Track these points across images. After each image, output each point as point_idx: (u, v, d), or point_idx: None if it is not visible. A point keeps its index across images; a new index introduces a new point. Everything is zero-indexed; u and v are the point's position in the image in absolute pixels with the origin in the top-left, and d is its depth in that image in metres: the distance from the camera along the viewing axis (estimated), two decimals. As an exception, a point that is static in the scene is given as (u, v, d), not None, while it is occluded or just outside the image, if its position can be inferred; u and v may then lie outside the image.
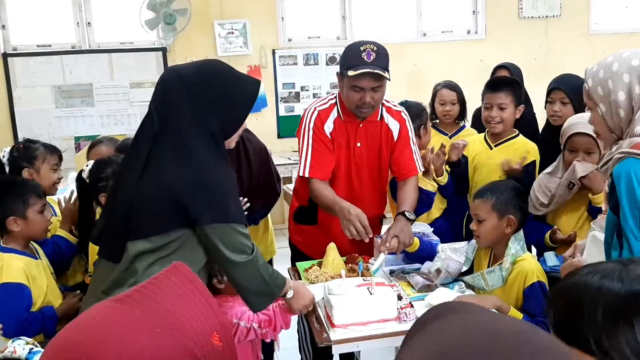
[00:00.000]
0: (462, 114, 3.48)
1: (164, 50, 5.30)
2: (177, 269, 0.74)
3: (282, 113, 5.70)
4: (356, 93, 2.40)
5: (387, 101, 2.59)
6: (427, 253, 2.44)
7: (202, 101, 1.77)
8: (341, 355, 2.40)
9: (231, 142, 1.89)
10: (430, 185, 2.81)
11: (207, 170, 1.75)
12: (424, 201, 2.74)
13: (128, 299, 0.70)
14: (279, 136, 5.74)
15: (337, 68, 2.62)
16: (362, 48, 2.36)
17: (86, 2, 5.26)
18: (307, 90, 5.70)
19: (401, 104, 2.78)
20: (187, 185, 1.72)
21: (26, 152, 2.48)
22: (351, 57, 2.40)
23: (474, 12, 6.03)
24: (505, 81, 2.96)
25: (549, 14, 6.04)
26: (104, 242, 1.86)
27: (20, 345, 1.10)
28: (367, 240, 2.34)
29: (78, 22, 5.28)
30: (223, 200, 1.77)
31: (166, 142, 1.75)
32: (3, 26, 5.13)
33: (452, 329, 0.61)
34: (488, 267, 2.28)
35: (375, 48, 2.37)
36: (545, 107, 3.12)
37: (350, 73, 2.34)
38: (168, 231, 1.75)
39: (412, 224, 2.43)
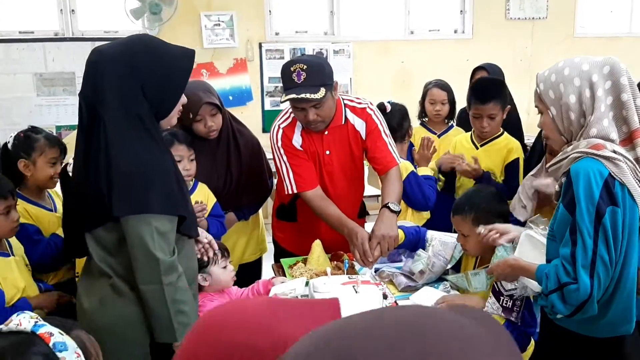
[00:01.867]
0: (451, 114, 3.48)
1: (149, 40, 5.23)
2: (331, 304, 0.81)
3: (267, 107, 5.67)
4: (299, 112, 2.37)
5: (351, 100, 2.54)
6: (415, 240, 2.42)
7: (128, 82, 1.66)
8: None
9: (171, 120, 1.79)
10: (429, 171, 2.85)
11: (125, 158, 1.64)
12: (431, 185, 2.81)
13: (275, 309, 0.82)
14: (264, 130, 5.69)
15: (323, 63, 2.59)
16: (292, 69, 2.28)
17: (70, -11, 5.17)
18: (293, 85, 5.66)
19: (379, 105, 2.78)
20: (104, 177, 1.64)
21: (25, 141, 2.37)
22: (284, 78, 2.33)
23: (461, 11, 6.05)
24: (493, 88, 2.92)
25: (536, 15, 6.08)
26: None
27: (26, 319, 1.08)
28: (369, 267, 2.34)
29: (62, 9, 5.18)
30: (141, 190, 1.65)
31: (95, 133, 1.67)
32: (-16, 11, 5.02)
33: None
34: (474, 268, 2.28)
35: (305, 67, 2.27)
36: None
37: (282, 98, 2.32)
38: (102, 224, 1.69)
39: (397, 216, 2.41)
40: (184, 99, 1.80)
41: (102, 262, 1.73)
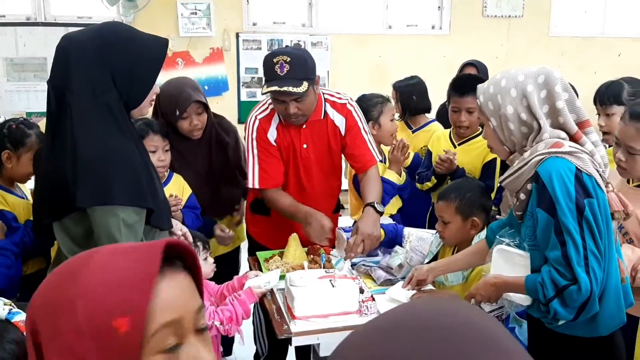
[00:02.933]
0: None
1: (124, 27, 5.13)
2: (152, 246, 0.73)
3: (243, 98, 5.62)
4: (280, 105, 2.35)
5: (331, 95, 2.52)
6: (393, 237, 2.43)
7: (97, 69, 1.62)
8: (297, 348, 2.40)
9: (142, 110, 1.75)
10: (395, 177, 2.82)
11: (90, 147, 1.59)
12: (387, 190, 2.74)
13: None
14: (240, 121, 5.63)
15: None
16: (275, 60, 2.26)
17: (43, -28, 5.04)
18: (270, 76, 5.62)
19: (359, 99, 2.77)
20: (70, 167, 1.60)
21: (16, 134, 2.30)
22: (266, 69, 2.31)
23: (439, 7, 6.07)
24: (472, 83, 2.93)
25: (512, 13, 6.13)
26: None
27: (0, 305, 1.04)
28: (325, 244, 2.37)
29: (34, -7, 5.06)
30: (106, 180, 1.60)
31: (62, 120, 1.63)
32: (-48, -8, 4.86)
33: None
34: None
35: (288, 59, 2.25)
36: None
37: (264, 89, 2.29)
38: (68, 214, 1.65)
39: (381, 216, 2.41)
40: (156, 89, 1.76)
41: (71, 254, 1.68)
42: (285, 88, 2.23)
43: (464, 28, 6.02)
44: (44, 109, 5.13)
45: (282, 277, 2.23)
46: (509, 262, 1.80)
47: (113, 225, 1.59)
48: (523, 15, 6.15)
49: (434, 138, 3.09)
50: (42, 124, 4.97)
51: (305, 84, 2.26)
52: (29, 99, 5.06)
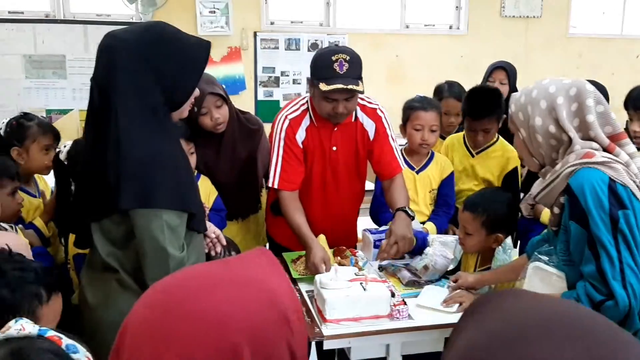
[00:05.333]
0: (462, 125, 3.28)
1: (142, 25, 5.14)
2: (262, 252, 0.76)
3: (260, 97, 5.61)
4: (328, 103, 2.33)
5: (362, 98, 2.50)
6: (419, 245, 2.42)
7: (142, 70, 1.61)
8: (320, 352, 2.39)
9: (182, 113, 1.75)
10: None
11: (136, 148, 1.58)
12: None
13: (224, 264, 0.72)
14: (256, 120, 5.66)
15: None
16: (334, 58, 2.25)
17: (62, -30, 5.06)
18: (287, 75, 5.61)
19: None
20: (113, 168, 1.59)
21: (18, 129, 2.32)
22: (323, 67, 2.28)
23: (457, 7, 6.04)
24: (488, 103, 2.81)
25: (530, 14, 6.10)
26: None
27: (29, 324, 1.03)
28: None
29: (53, -10, 5.07)
30: (151, 183, 1.59)
31: (106, 120, 1.61)
32: (-28, -11, 4.88)
33: (518, 305, 0.61)
34: (474, 269, 2.29)
35: (348, 58, 2.25)
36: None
37: (323, 87, 2.24)
38: (108, 216, 1.64)
39: (412, 221, 2.40)
40: (196, 92, 1.76)
41: (109, 256, 1.68)
42: (351, 86, 2.23)
43: (481, 28, 5.99)
44: (63, 107, 5.16)
45: (310, 279, 2.22)
46: (544, 281, 1.75)
47: (156, 228, 1.59)
48: (541, 15, 6.11)
49: (448, 145, 2.98)
50: (61, 121, 5.02)
51: (361, 83, 2.28)
52: (47, 96, 5.07)
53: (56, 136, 2.40)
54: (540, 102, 1.68)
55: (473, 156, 2.87)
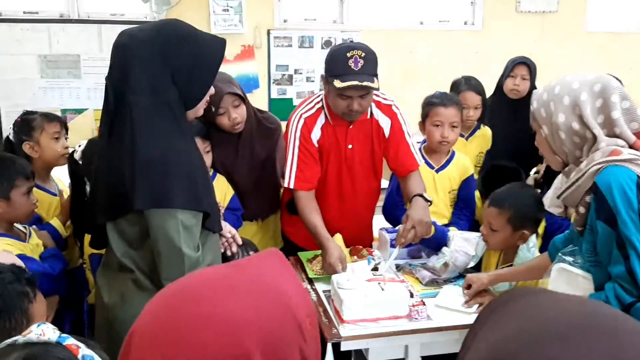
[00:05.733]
0: (482, 117, 3.26)
1: (156, 24, 5.13)
2: (274, 253, 0.74)
3: (274, 95, 5.59)
4: (343, 101, 2.30)
5: (377, 95, 2.47)
6: (440, 236, 2.38)
7: (158, 68, 1.59)
8: (337, 352, 2.36)
9: (197, 111, 1.73)
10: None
11: (151, 147, 1.57)
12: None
13: (235, 266, 0.72)
14: (270, 118, 5.64)
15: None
16: (349, 54, 2.21)
17: (76, -31, 5.07)
18: (301, 73, 5.59)
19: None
20: (128, 167, 1.57)
21: (24, 124, 2.35)
22: (337, 63, 2.25)
23: (471, 2, 5.97)
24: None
25: (546, 9, 6.02)
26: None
27: (49, 328, 1.02)
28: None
29: (68, -10, 5.08)
30: (166, 182, 1.57)
31: (121, 119, 1.60)
32: (-13, -10, 4.91)
33: (538, 307, 0.59)
34: (496, 267, 2.25)
35: (363, 54, 2.22)
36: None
37: (337, 84, 2.22)
38: (123, 215, 1.62)
39: (429, 206, 2.36)
40: (212, 90, 1.74)
41: (125, 256, 1.67)
42: (366, 83, 2.20)
43: (497, 23, 5.92)
44: (78, 106, 5.17)
45: (327, 279, 2.20)
46: (570, 283, 1.71)
47: (172, 227, 1.57)
48: (558, 10, 6.03)
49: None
50: (76, 121, 5.03)
51: (376, 80, 2.25)
52: (62, 96, 5.09)
53: (62, 124, 2.42)
54: (563, 99, 1.64)
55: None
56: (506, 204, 2.17)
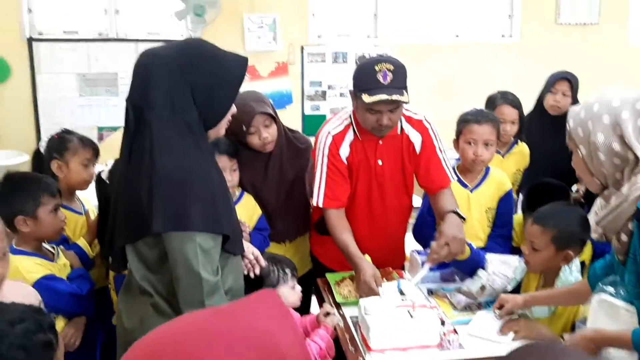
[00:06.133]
0: (520, 132, 3.15)
1: (191, 42, 5.19)
2: (269, 295, 0.68)
3: (307, 112, 5.58)
4: (372, 115, 2.25)
5: (407, 109, 2.40)
6: (475, 262, 2.29)
7: (178, 87, 1.57)
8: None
9: (219, 131, 1.70)
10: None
11: (170, 167, 1.54)
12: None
13: (222, 312, 0.67)
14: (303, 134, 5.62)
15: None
16: (377, 68, 2.17)
17: (115, -10, 5.18)
18: (334, 89, 5.57)
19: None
20: (146, 188, 1.54)
21: (59, 142, 2.37)
22: (365, 77, 2.20)
23: (509, 15, 5.86)
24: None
25: (587, 21, 5.85)
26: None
27: None
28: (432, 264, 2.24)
29: (106, 10, 5.19)
30: (184, 204, 1.53)
31: (140, 138, 1.58)
32: (29, 10, 5.05)
33: None
34: (536, 291, 2.15)
35: (391, 67, 2.17)
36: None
37: (366, 99, 2.17)
38: (142, 238, 1.60)
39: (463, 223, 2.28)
40: (233, 109, 1.71)
41: (143, 280, 1.64)
42: (395, 97, 2.15)
43: (535, 36, 5.78)
44: (115, 124, 5.26)
45: (354, 303, 2.13)
46: (611, 315, 1.60)
47: (190, 251, 1.54)
48: (599, 22, 5.86)
49: (517, 226, 2.69)
50: (112, 138, 5.12)
51: (406, 93, 2.20)
52: (100, 114, 5.18)
53: (95, 151, 2.43)
54: (602, 117, 1.54)
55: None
56: (550, 221, 2.06)
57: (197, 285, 1.55)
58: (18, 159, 4.47)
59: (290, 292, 2.01)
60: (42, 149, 2.40)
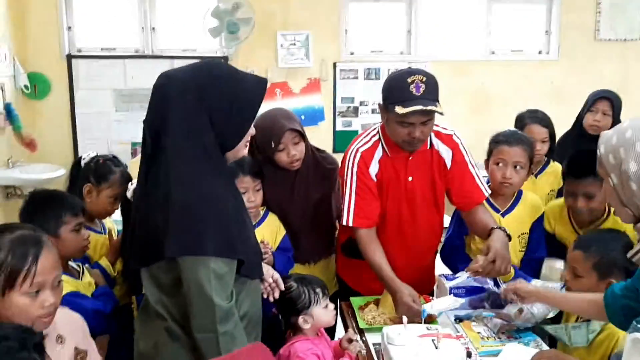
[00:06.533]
0: (550, 152, 3.03)
1: (225, 59, 5.24)
2: (259, 349, 0.65)
3: (339, 128, 5.57)
4: (404, 128, 2.19)
5: (436, 125, 2.34)
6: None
7: (195, 109, 1.55)
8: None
9: (237, 153, 1.67)
10: None
11: (185, 191, 1.52)
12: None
13: None
14: (335, 150, 5.57)
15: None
16: (409, 80, 2.12)
17: (152, 8, 5.27)
18: (366, 105, 5.54)
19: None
20: (161, 212, 1.53)
21: (101, 169, 2.34)
22: (398, 89, 2.15)
23: (546, 31, 5.75)
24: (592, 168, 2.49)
25: (628, 37, 5.69)
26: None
27: None
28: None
29: (143, 27, 5.29)
30: (199, 229, 1.52)
31: (156, 162, 1.57)
32: (69, 28, 5.18)
33: None
34: (577, 320, 2.06)
35: (424, 79, 2.13)
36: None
37: (399, 110, 2.11)
38: (157, 261, 1.58)
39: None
40: (252, 131, 1.69)
41: (158, 304, 1.63)
42: (430, 107, 2.11)
43: (574, 53, 5.66)
44: (148, 140, 5.22)
45: (378, 330, 2.08)
46: None
47: (203, 276, 1.52)
48: (639, 38, 5.69)
49: (550, 212, 2.59)
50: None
51: (439, 105, 2.16)
52: (135, 129, 5.26)
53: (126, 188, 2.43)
54: (635, 145, 1.44)
55: (578, 234, 2.43)
56: (593, 247, 1.99)
57: (209, 311, 1.53)
58: (55, 173, 4.57)
59: (323, 312, 1.97)
60: (83, 162, 2.39)
